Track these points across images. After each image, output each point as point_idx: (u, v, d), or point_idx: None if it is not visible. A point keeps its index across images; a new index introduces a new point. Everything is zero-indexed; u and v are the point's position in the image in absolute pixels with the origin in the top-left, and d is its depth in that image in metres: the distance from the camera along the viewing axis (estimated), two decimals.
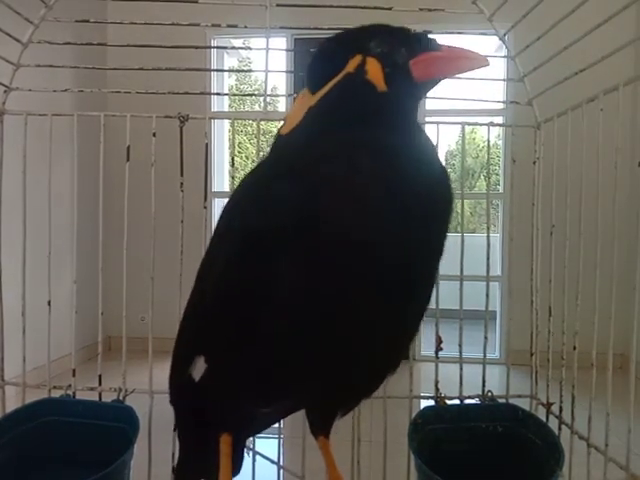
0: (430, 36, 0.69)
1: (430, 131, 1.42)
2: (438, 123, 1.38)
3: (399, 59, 0.68)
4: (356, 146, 0.63)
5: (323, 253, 0.61)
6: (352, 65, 0.67)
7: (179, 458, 0.99)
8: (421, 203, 0.63)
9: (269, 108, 1.40)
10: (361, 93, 0.67)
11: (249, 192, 0.68)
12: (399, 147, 0.64)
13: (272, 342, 0.65)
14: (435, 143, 1.39)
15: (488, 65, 0.68)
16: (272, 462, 1.35)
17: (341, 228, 0.60)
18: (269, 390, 0.73)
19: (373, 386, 0.79)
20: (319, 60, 0.72)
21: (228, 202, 0.73)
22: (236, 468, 0.94)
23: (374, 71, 0.67)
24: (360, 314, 0.64)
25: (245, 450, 1.27)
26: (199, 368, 0.75)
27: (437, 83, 0.71)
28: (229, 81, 5.62)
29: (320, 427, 0.87)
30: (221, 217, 0.74)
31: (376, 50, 0.68)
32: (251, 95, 5.03)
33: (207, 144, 1.36)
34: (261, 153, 1.39)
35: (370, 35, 0.69)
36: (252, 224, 0.64)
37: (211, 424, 0.84)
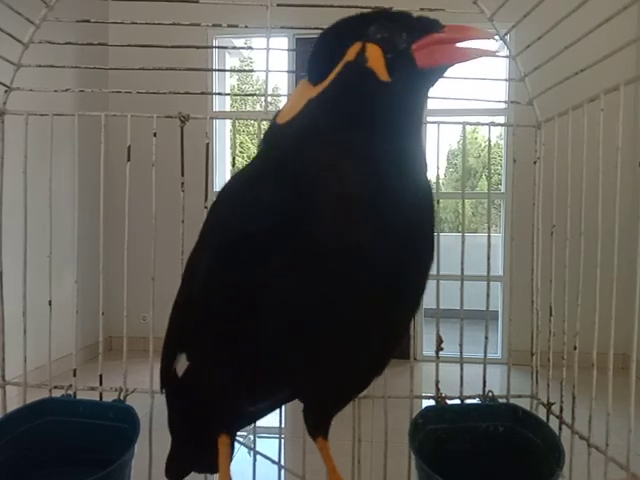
0: (432, 18, 0.66)
1: (431, 131, 1.43)
2: (439, 123, 1.38)
3: (400, 44, 0.64)
4: (349, 152, 0.62)
5: (306, 256, 0.60)
6: (352, 53, 0.65)
7: (170, 452, 0.98)
8: (408, 208, 0.63)
9: (270, 108, 1.40)
10: (362, 83, 0.64)
11: (236, 193, 0.68)
12: (392, 155, 0.63)
13: (255, 343, 0.65)
14: (436, 143, 1.40)
15: (496, 54, 0.65)
16: (273, 462, 1.35)
17: (325, 233, 0.60)
18: (251, 389, 0.73)
19: (358, 388, 0.79)
20: (318, 50, 0.70)
21: (215, 202, 0.72)
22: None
23: (375, 57, 0.64)
24: (344, 316, 0.63)
25: (246, 449, 1.28)
26: (182, 364, 0.76)
27: (443, 72, 0.67)
28: (231, 81, 5.62)
29: (316, 428, 0.87)
30: (208, 216, 0.73)
31: (376, 36, 0.65)
32: (252, 95, 5.03)
33: (208, 144, 1.36)
34: None
35: (369, 21, 0.66)
36: (237, 226, 0.63)
37: (205, 423, 0.84)
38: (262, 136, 0.75)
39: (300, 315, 0.62)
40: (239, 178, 0.70)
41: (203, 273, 0.69)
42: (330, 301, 0.62)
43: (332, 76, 0.66)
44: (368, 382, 0.78)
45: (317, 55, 0.70)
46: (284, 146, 0.67)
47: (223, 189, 0.71)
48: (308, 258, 0.60)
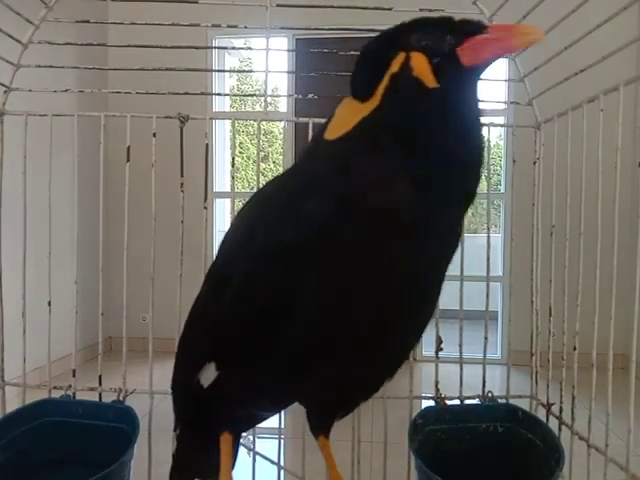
0: (475, 19, 0.65)
1: None
2: None
3: (445, 48, 0.63)
4: (399, 172, 0.62)
5: (347, 271, 0.61)
6: (396, 64, 0.64)
7: (174, 459, 0.99)
8: (447, 225, 0.65)
9: (270, 108, 1.40)
10: (411, 94, 0.63)
11: (277, 205, 0.66)
12: (444, 173, 0.62)
13: (290, 352, 0.66)
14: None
15: (542, 39, 0.61)
16: (272, 462, 1.35)
17: (368, 249, 0.61)
18: (279, 396, 0.75)
19: (373, 389, 0.79)
20: (361, 65, 0.69)
21: (249, 210, 0.72)
22: (232, 463, 0.95)
23: (420, 66, 0.62)
24: (378, 326, 0.65)
25: (245, 449, 1.27)
26: (209, 374, 0.75)
27: (488, 66, 0.65)
28: (230, 81, 5.63)
29: (320, 427, 0.87)
30: (239, 224, 0.73)
31: (420, 43, 0.63)
32: (251, 95, 5.03)
33: (207, 144, 1.36)
34: (262, 153, 1.38)
35: (410, 29, 0.65)
36: (282, 237, 0.62)
37: (212, 424, 0.84)
38: (304, 150, 0.73)
39: (336, 325, 0.63)
40: (280, 189, 0.69)
41: (240, 285, 0.68)
42: (361, 312, 0.63)
43: (381, 91, 0.64)
44: (380, 384, 0.79)
45: (361, 69, 0.69)
46: (331, 162, 0.65)
47: (259, 200, 0.71)
48: (345, 272, 0.61)
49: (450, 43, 0.63)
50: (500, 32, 0.63)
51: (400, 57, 0.64)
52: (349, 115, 0.67)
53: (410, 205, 0.61)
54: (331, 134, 0.68)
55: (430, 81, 0.62)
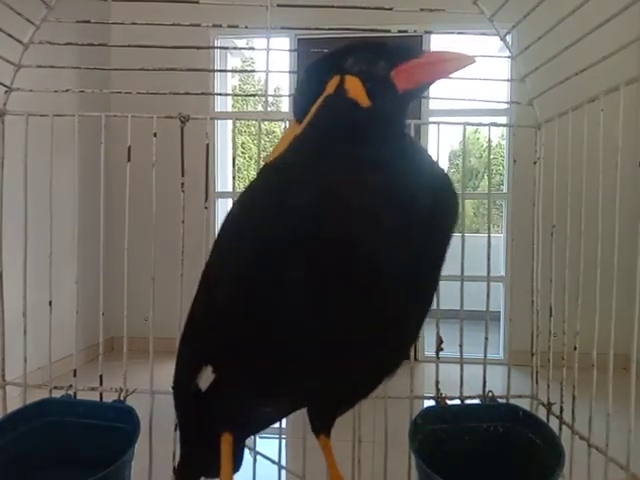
0: (409, 45, 0.68)
1: (432, 131, 1.43)
2: (439, 123, 1.37)
3: (379, 72, 0.66)
4: (351, 160, 0.63)
5: (333, 263, 0.61)
6: (331, 87, 0.67)
7: (180, 458, 0.99)
8: (421, 211, 0.63)
9: (271, 108, 1.40)
10: (345, 112, 0.66)
11: (263, 202, 0.67)
12: (393, 159, 0.64)
13: (284, 350, 0.65)
14: (437, 143, 1.40)
15: (473, 62, 0.65)
16: (273, 462, 1.35)
17: (348, 239, 0.61)
18: (276, 394, 0.74)
19: (373, 386, 0.80)
20: (300, 88, 0.72)
21: (232, 214, 0.73)
22: (236, 466, 0.95)
23: (354, 88, 0.66)
24: (368, 319, 0.65)
25: (246, 449, 1.28)
26: (206, 377, 0.75)
27: (423, 91, 0.69)
28: (232, 81, 5.62)
29: (321, 426, 0.88)
30: (226, 228, 0.73)
31: (354, 68, 0.67)
32: (253, 95, 5.03)
33: (207, 144, 1.36)
34: (263, 153, 1.39)
35: (345, 54, 0.68)
36: (265, 236, 0.63)
37: (212, 424, 0.84)
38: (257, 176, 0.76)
39: (325, 318, 0.63)
40: (258, 189, 0.71)
41: (231, 286, 0.68)
42: (352, 304, 0.63)
43: (314, 109, 0.67)
44: (379, 382, 0.79)
45: (300, 93, 0.72)
46: (285, 168, 0.67)
47: (240, 204, 0.72)
48: (331, 263, 0.61)
49: (384, 68, 0.66)
50: (433, 57, 0.67)
51: (335, 80, 0.67)
52: (286, 138, 0.71)
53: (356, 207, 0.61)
54: (270, 157, 0.72)
55: (364, 101, 0.65)
